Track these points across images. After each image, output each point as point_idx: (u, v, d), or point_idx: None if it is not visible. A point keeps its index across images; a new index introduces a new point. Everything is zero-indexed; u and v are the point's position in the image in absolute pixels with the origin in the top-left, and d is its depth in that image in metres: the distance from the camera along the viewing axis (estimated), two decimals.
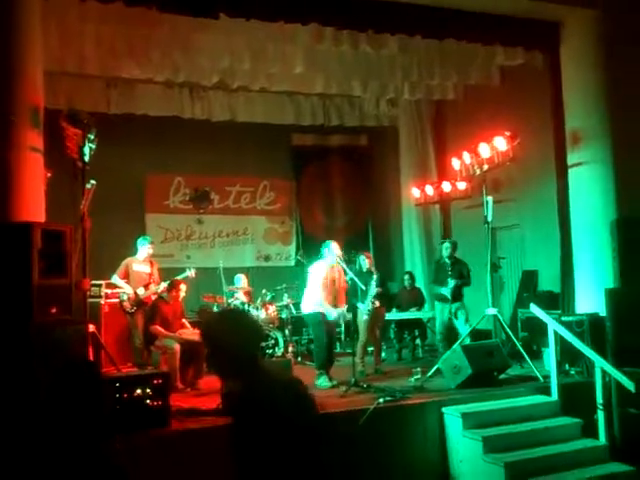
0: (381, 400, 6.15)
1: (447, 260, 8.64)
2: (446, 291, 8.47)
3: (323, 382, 7.28)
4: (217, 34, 7.67)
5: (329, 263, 7.61)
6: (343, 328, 9.91)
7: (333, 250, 7.54)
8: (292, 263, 12.17)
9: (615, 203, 7.69)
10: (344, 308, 7.76)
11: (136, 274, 7.78)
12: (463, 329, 8.30)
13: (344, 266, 7.52)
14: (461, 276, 8.51)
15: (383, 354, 8.98)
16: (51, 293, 4.98)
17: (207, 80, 8.98)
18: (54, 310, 4.98)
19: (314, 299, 7.52)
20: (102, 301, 8.49)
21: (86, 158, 5.77)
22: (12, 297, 4.77)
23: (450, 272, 8.50)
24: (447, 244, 8.86)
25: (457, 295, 8.49)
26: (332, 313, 7.47)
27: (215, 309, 8.94)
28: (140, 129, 10.38)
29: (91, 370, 2.55)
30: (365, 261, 8.28)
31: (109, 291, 8.50)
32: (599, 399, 6.18)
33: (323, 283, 7.51)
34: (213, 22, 7.07)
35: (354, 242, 11.69)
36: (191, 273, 8.16)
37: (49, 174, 6.20)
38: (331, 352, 7.71)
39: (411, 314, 9.71)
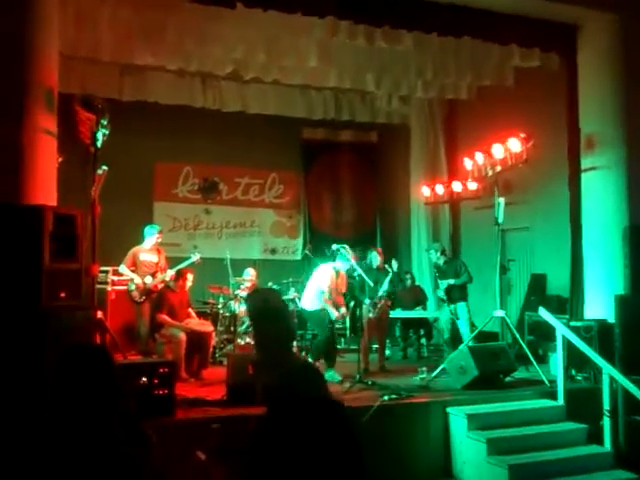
0: (386, 397, 6.15)
1: (440, 262, 8.63)
2: (440, 293, 8.48)
3: (333, 376, 7.27)
4: (232, 24, 7.61)
5: (339, 268, 7.68)
6: (348, 323, 9.87)
7: (347, 256, 7.61)
8: (298, 257, 12.13)
9: (628, 210, 7.64)
10: (344, 308, 7.90)
11: (143, 263, 7.72)
12: (465, 330, 8.28)
13: (354, 265, 7.53)
14: (456, 274, 8.47)
15: (388, 352, 8.94)
16: (61, 277, 4.94)
17: (220, 70, 8.95)
18: (63, 295, 4.95)
19: (317, 298, 7.64)
20: (109, 288, 8.50)
21: (98, 143, 5.73)
22: (22, 280, 4.73)
23: (443, 273, 8.49)
24: (432, 251, 8.92)
25: (456, 296, 8.45)
26: (334, 312, 7.60)
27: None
28: (151, 117, 10.33)
29: (103, 356, 2.51)
30: (377, 257, 8.27)
31: (116, 278, 8.48)
32: (606, 405, 6.15)
33: (328, 286, 7.64)
34: (229, 12, 7.03)
35: (361, 238, 11.72)
36: (197, 258, 8.12)
37: (60, 158, 6.16)
38: (335, 349, 7.73)
39: (417, 313, 9.68)
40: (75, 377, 2.32)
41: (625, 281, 7.39)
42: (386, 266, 8.20)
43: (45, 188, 5.57)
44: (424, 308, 9.96)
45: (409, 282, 10.08)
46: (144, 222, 8.50)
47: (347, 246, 7.77)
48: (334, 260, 7.83)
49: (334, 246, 7.79)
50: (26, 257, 4.79)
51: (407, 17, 7.36)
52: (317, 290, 7.72)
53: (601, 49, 7.94)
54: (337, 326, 10.13)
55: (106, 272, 8.36)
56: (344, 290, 7.90)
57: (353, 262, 7.60)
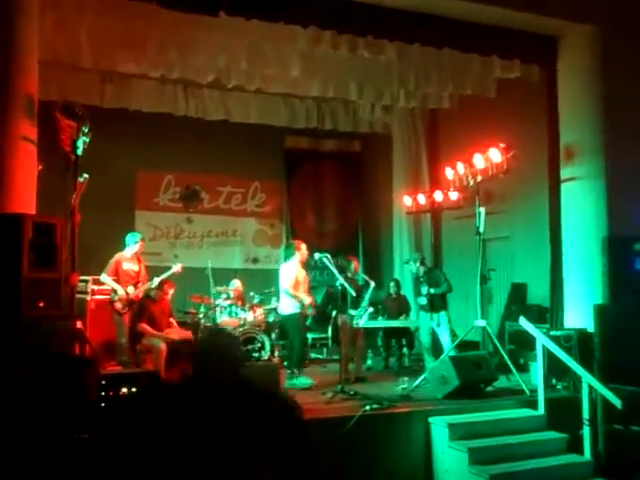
0: (367, 408, 6.13)
1: (419, 272, 8.67)
2: (422, 300, 8.50)
3: (305, 381, 7.29)
4: (215, 32, 7.60)
5: (297, 263, 7.96)
6: (330, 334, 9.86)
7: (302, 250, 7.93)
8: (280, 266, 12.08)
9: (607, 220, 7.72)
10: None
11: (125, 272, 7.64)
12: (446, 339, 8.30)
13: (335, 273, 7.54)
14: (437, 284, 8.50)
15: (369, 362, 8.93)
16: (40, 286, 4.88)
17: (202, 78, 8.88)
18: (42, 304, 4.88)
19: (286, 299, 7.85)
20: (88, 297, 8.38)
21: (79, 151, 5.66)
22: (1, 289, 4.67)
23: (423, 282, 8.52)
24: (411, 262, 8.96)
25: (438, 304, 8.47)
26: (307, 298, 7.84)
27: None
28: (132, 125, 10.25)
29: (80, 366, 2.48)
30: (352, 265, 8.35)
31: (96, 287, 8.38)
32: (585, 414, 6.18)
33: (289, 283, 7.81)
34: (211, 20, 7.03)
35: (343, 247, 11.73)
36: (177, 268, 8.06)
37: (40, 166, 6.10)
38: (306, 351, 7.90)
39: (399, 322, 9.66)
40: (50, 386, 2.30)
41: (604, 290, 7.46)
42: (365, 277, 8.27)
43: (24, 196, 5.51)
44: (407, 317, 9.95)
45: (394, 290, 10.06)
46: (125, 231, 8.41)
47: (329, 255, 7.77)
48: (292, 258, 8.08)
49: (316, 255, 7.81)
50: (5, 266, 4.74)
51: (389, 27, 7.42)
52: (283, 292, 7.91)
53: (580, 60, 8.05)
54: (322, 335, 10.25)
55: (86, 281, 8.24)
56: (308, 283, 8.18)
57: (334, 270, 7.60)
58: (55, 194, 5.99)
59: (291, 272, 7.96)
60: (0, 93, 5.48)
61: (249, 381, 2.70)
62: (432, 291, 8.39)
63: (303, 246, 8.09)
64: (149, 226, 11.31)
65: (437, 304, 8.44)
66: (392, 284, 10.17)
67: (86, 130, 5.68)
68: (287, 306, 7.90)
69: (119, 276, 7.61)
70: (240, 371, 2.68)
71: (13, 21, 5.61)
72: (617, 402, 5.92)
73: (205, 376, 2.77)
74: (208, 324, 8.66)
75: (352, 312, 8.00)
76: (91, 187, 5.77)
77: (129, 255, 7.79)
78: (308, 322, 9.09)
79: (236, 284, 9.24)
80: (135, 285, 7.61)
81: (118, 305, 7.49)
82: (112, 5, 6.84)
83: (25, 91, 5.64)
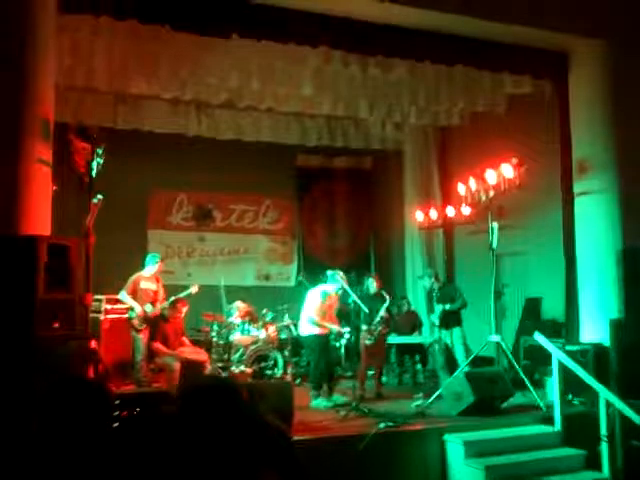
0: (382, 425, 6.10)
1: (434, 288, 8.62)
2: (434, 317, 8.45)
3: (320, 403, 7.24)
4: (226, 53, 7.69)
5: (330, 290, 7.71)
6: (343, 351, 9.83)
7: (338, 279, 7.66)
8: (292, 283, 12.10)
9: (621, 233, 7.68)
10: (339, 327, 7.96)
11: (143, 291, 7.75)
12: (460, 356, 8.25)
13: (348, 290, 7.54)
14: (451, 300, 8.45)
15: (384, 378, 8.90)
16: (54, 307, 4.93)
17: (215, 98, 8.99)
18: (57, 324, 4.93)
19: (308, 323, 7.66)
20: (102, 317, 8.45)
21: (93, 173, 5.75)
22: (16, 310, 4.72)
23: (438, 299, 8.48)
24: (425, 277, 8.91)
25: (452, 320, 8.42)
26: (335, 327, 7.71)
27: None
28: (145, 145, 10.35)
29: (97, 391, 2.49)
30: (373, 284, 8.28)
31: (109, 307, 8.45)
32: (603, 431, 6.11)
33: (316, 310, 7.64)
34: (223, 41, 7.12)
35: (356, 264, 11.73)
36: (194, 289, 8.13)
37: (54, 187, 6.17)
38: (331, 373, 7.71)
39: (412, 338, 9.66)
40: (65, 411, 2.30)
41: (619, 304, 7.41)
42: (382, 292, 8.21)
43: (39, 218, 5.57)
44: (420, 333, 9.93)
45: (405, 307, 10.06)
46: (138, 250, 8.51)
47: (341, 272, 7.78)
48: (324, 283, 7.83)
49: (328, 272, 7.81)
50: (20, 287, 4.79)
51: (400, 46, 7.47)
52: (307, 317, 7.74)
53: (591, 75, 8.05)
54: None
55: (100, 301, 8.32)
56: (333, 309, 7.92)
57: (346, 286, 7.60)
58: (69, 215, 6.09)
59: (317, 298, 7.80)
60: (17, 116, 5.55)
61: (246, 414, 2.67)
62: (447, 307, 8.35)
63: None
64: (162, 245, 11.36)
65: (451, 320, 8.40)
66: (403, 301, 10.20)
67: (100, 152, 5.78)
68: (305, 327, 7.81)
69: (137, 294, 7.71)
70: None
71: (30, 44, 5.69)
72: (636, 417, 5.84)
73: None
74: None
75: (364, 327, 7.98)
76: (104, 207, 5.85)
77: (148, 275, 7.89)
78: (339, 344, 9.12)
79: (239, 305, 9.19)
80: (153, 304, 7.68)
81: (135, 322, 7.58)
82: (126, 28, 6.94)
83: (41, 114, 5.71)
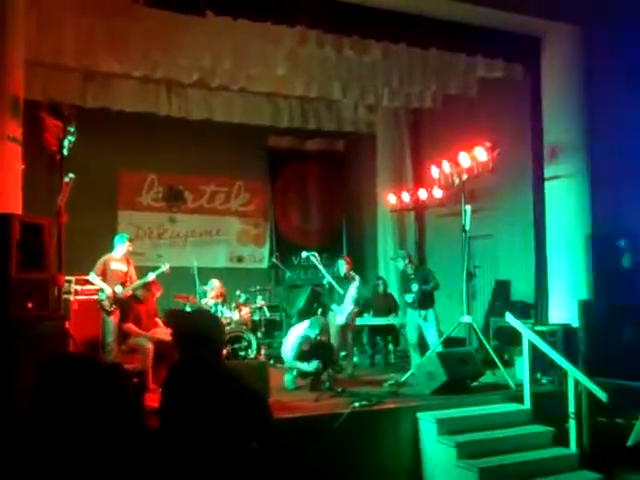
0: (356, 404, 6.16)
1: (408, 270, 8.68)
2: (410, 297, 8.50)
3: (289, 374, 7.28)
4: (199, 32, 7.57)
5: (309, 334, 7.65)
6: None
7: (317, 264, 7.73)
8: (265, 265, 12.10)
9: (590, 217, 7.85)
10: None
11: (113, 272, 7.63)
12: (432, 336, 8.34)
13: (323, 271, 7.55)
14: (425, 282, 8.52)
15: (355, 359, 8.96)
16: (28, 287, 4.85)
17: (186, 78, 8.87)
18: (30, 305, 4.85)
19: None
20: (72, 298, 8.34)
21: (65, 151, 5.65)
22: None
23: (413, 279, 8.55)
24: (399, 259, 8.91)
25: (426, 301, 8.49)
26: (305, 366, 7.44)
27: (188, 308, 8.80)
28: (115, 124, 10.15)
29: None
30: (344, 265, 8.30)
31: (79, 288, 8.34)
32: (571, 408, 6.27)
33: (292, 353, 7.56)
34: (196, 19, 7.00)
35: (328, 246, 11.77)
36: (166, 269, 8.05)
37: (23, 166, 6.04)
38: None
39: (384, 320, 9.72)
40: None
41: (588, 286, 7.58)
42: (352, 273, 8.25)
43: (10, 196, 5.47)
44: (396, 315, 9.98)
45: (381, 288, 10.09)
46: (108, 231, 8.38)
47: (317, 254, 7.79)
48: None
49: (304, 254, 7.84)
50: None
51: (376, 27, 7.45)
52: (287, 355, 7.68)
53: (563, 60, 8.16)
54: None
55: (69, 282, 8.20)
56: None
57: (322, 269, 7.63)
58: (40, 193, 5.95)
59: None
60: None
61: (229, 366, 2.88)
62: (422, 288, 8.42)
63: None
64: (132, 226, 11.22)
65: (425, 301, 8.48)
66: (380, 282, 10.21)
67: (72, 130, 5.67)
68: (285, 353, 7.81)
69: (106, 275, 7.59)
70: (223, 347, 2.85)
71: None
72: (602, 395, 6.01)
73: (194, 357, 2.85)
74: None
75: (335, 308, 8.02)
76: (73, 187, 5.75)
77: (118, 256, 7.79)
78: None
79: (215, 284, 9.16)
80: (123, 284, 7.59)
81: (105, 303, 7.48)
82: (96, 3, 6.79)
83: (11, 90, 5.60)
